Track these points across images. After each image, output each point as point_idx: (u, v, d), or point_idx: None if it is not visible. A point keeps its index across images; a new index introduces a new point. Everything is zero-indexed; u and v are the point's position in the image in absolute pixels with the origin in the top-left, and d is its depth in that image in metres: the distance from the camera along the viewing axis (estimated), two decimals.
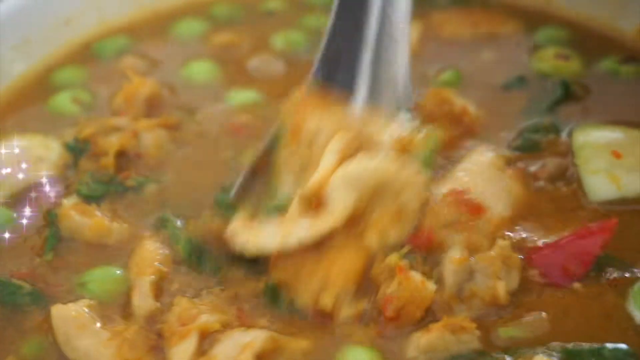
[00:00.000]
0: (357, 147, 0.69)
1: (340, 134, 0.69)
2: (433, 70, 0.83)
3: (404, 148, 0.70)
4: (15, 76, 0.83)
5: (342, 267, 0.65)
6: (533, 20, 0.92)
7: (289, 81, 0.80)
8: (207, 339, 0.60)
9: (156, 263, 0.64)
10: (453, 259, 0.65)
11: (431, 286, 0.64)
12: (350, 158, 0.67)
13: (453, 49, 0.85)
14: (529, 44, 0.86)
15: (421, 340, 0.61)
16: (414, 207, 0.68)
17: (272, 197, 0.69)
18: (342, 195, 0.66)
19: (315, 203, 0.66)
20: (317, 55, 0.75)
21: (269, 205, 0.68)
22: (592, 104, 0.80)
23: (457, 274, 0.65)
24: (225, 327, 0.61)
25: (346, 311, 0.63)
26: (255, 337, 0.60)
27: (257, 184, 0.71)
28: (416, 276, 0.64)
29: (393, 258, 0.65)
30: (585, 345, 0.62)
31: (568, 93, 0.80)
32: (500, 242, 0.66)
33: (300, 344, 0.61)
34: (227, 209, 0.67)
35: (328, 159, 0.68)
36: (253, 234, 0.66)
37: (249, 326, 0.61)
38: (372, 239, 0.66)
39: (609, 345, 0.62)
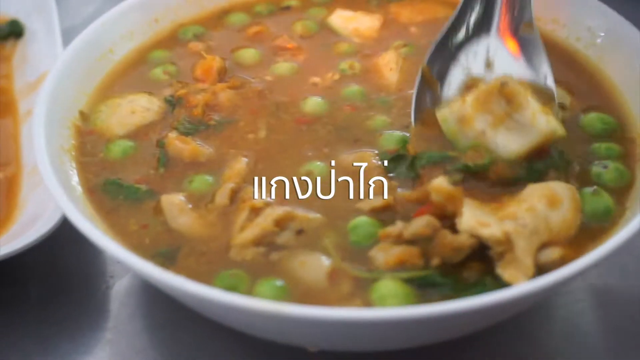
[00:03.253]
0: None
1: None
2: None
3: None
4: (122, 56, 0.97)
5: None
6: None
7: (307, 53, 0.97)
8: (254, 212, 0.74)
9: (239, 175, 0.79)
10: None
11: None
12: None
13: (408, 30, 0.98)
14: None
15: None
16: None
17: None
18: None
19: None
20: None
21: None
22: None
23: None
24: (267, 205, 0.75)
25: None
26: (277, 210, 0.73)
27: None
28: None
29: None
30: None
31: None
32: None
33: (311, 216, 0.74)
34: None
35: None
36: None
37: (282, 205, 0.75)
38: None
39: None
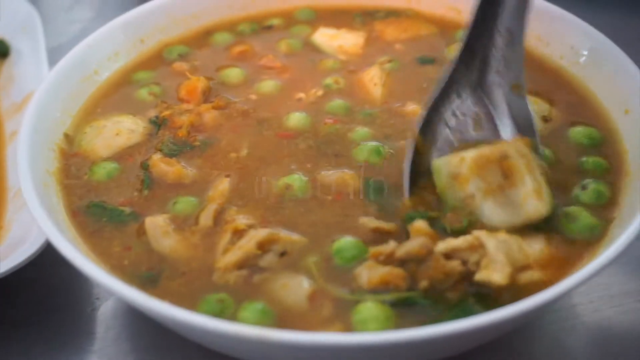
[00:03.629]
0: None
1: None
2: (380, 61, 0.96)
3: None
4: (106, 77, 0.96)
5: None
6: (444, 26, 1.02)
7: (292, 70, 0.97)
8: (237, 234, 0.74)
9: (223, 196, 0.78)
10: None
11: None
12: None
13: (393, 47, 0.98)
14: (441, 42, 0.98)
15: None
16: None
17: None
18: None
19: None
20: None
21: None
22: None
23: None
24: (250, 227, 0.74)
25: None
26: (261, 232, 0.73)
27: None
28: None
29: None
30: None
31: None
32: None
33: (294, 237, 0.74)
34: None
35: None
36: None
37: (265, 227, 0.74)
38: None
39: None
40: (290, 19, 1.04)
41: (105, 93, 0.95)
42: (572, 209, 0.78)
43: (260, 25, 1.05)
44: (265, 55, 1.00)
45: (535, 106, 0.86)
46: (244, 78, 0.96)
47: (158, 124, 0.90)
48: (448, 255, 0.68)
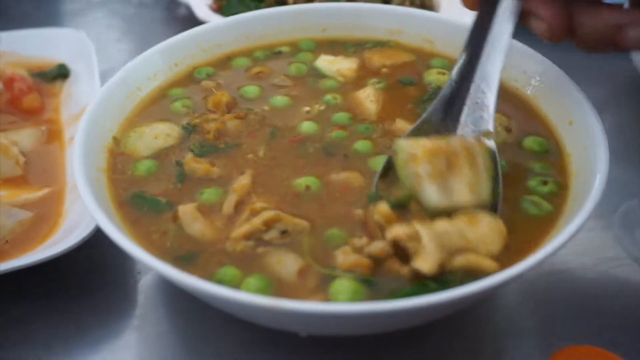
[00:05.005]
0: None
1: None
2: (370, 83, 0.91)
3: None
4: (147, 92, 0.91)
5: None
6: (421, 54, 0.96)
7: (299, 88, 0.92)
8: (253, 214, 0.71)
9: (244, 189, 0.75)
10: None
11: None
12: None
13: (380, 71, 0.94)
14: (420, 67, 0.93)
15: None
16: None
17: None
18: None
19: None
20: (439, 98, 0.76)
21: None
22: None
23: None
24: (263, 209, 0.71)
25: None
26: (269, 212, 0.70)
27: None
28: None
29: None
30: None
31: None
32: None
33: (296, 220, 0.70)
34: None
35: None
36: None
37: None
38: None
39: None
40: (295, 48, 1.00)
41: (145, 105, 0.91)
42: (528, 198, 0.75)
43: (272, 52, 1.02)
44: (277, 75, 0.98)
45: (498, 120, 0.82)
46: (260, 94, 0.92)
47: (190, 129, 0.86)
48: (396, 243, 0.66)
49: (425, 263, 0.62)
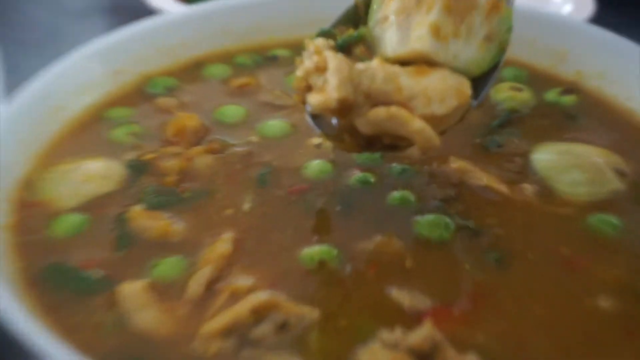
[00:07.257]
0: None
1: None
2: None
3: None
4: (74, 113, 0.92)
5: None
6: None
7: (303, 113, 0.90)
8: (234, 298, 0.69)
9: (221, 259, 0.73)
10: None
11: None
12: None
13: None
14: None
15: None
16: None
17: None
18: None
19: None
20: None
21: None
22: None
23: None
24: (251, 290, 0.70)
25: None
26: (260, 295, 0.69)
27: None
28: None
29: None
30: None
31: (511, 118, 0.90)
32: None
33: (302, 309, 0.69)
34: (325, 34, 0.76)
35: None
36: None
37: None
38: None
39: None
40: (297, 50, 0.95)
41: (72, 132, 0.90)
42: None
43: (263, 56, 1.02)
44: (270, 91, 0.97)
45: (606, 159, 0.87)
46: (244, 117, 0.92)
47: (138, 169, 0.85)
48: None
49: (316, 96, 0.66)
